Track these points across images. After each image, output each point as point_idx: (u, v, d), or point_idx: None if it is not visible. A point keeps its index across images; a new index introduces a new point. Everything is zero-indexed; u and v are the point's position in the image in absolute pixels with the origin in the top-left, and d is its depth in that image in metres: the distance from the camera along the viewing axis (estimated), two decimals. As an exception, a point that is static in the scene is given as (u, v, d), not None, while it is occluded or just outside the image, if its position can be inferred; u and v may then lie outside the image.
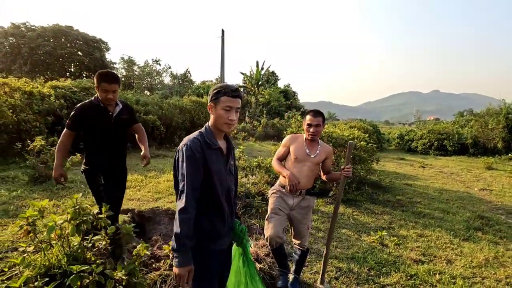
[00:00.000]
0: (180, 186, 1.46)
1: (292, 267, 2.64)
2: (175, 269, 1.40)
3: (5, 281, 2.06)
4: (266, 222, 2.49)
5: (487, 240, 4.06)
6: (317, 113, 2.46)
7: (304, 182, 2.46)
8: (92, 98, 2.42)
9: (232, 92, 1.50)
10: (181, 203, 1.40)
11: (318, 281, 2.63)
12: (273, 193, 2.58)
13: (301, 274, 2.72)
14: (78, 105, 2.38)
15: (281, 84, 30.91)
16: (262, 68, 27.35)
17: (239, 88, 1.60)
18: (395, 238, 3.90)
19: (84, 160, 2.49)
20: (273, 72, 31.66)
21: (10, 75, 11.98)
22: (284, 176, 2.42)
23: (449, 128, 18.42)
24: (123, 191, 2.77)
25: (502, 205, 6.09)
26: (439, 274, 3.02)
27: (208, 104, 1.56)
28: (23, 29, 18.63)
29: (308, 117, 2.48)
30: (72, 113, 2.35)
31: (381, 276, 2.95)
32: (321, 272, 2.61)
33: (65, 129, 2.37)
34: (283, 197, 2.50)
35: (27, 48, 17.70)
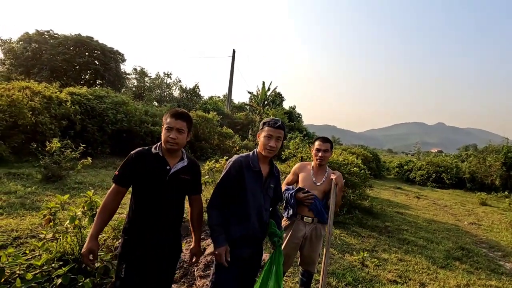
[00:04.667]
0: (215, 187, 1.93)
1: None
2: (215, 250, 1.80)
3: (27, 261, 2.41)
4: None
5: (462, 269, 4.30)
6: (326, 140, 2.59)
7: None
8: (153, 146, 1.85)
9: (273, 124, 1.89)
10: (210, 201, 1.89)
11: None
12: (286, 226, 2.58)
13: None
14: (133, 151, 1.80)
15: (286, 106, 31.65)
16: (269, 89, 28.26)
17: (282, 122, 1.94)
18: (375, 259, 4.17)
19: (124, 226, 1.84)
20: (279, 93, 32.54)
21: (28, 78, 12.72)
22: None
23: (448, 161, 18.67)
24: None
25: (487, 240, 6.31)
26: (409, 293, 3.29)
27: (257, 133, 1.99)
28: (46, 36, 19.77)
29: (317, 142, 2.59)
30: (124, 161, 1.79)
31: (356, 291, 3.23)
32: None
33: (113, 184, 1.77)
34: (295, 228, 2.53)
35: (48, 55, 18.70)
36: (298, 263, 2.80)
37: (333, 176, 2.45)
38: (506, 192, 14.16)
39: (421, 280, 3.75)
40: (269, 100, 29.41)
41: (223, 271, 1.84)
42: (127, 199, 1.89)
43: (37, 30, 20.03)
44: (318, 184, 2.54)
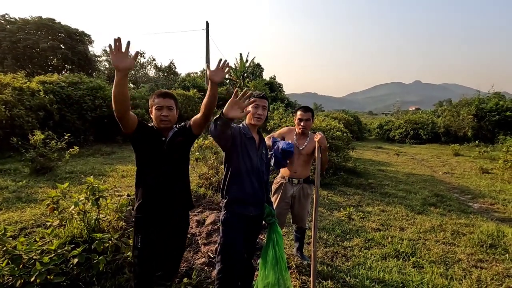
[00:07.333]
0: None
1: (296, 245, 3.12)
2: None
3: (39, 248, 2.55)
4: None
5: (437, 212, 4.82)
6: (307, 109, 2.80)
7: (300, 171, 2.80)
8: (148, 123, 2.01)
9: (258, 95, 2.09)
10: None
11: (294, 250, 3.16)
12: (276, 188, 2.87)
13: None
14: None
15: (266, 76, 31.32)
16: (247, 60, 27.67)
17: (265, 93, 2.15)
18: (361, 213, 4.59)
19: (135, 204, 1.94)
20: (258, 64, 32.01)
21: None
22: None
23: (424, 118, 19.56)
24: (179, 257, 2.13)
25: (459, 186, 6.95)
26: (391, 237, 3.71)
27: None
28: (2, 21, 18.11)
29: (299, 112, 2.79)
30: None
31: (345, 241, 3.61)
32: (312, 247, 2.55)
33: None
34: (284, 189, 2.81)
35: (8, 42, 17.27)
36: (292, 221, 3.09)
37: (316, 138, 2.56)
38: (476, 142, 15.19)
39: (401, 225, 4.20)
40: (249, 72, 28.94)
41: (230, 230, 2.04)
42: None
43: (-10, 15, 18.35)
44: (301, 148, 2.78)
